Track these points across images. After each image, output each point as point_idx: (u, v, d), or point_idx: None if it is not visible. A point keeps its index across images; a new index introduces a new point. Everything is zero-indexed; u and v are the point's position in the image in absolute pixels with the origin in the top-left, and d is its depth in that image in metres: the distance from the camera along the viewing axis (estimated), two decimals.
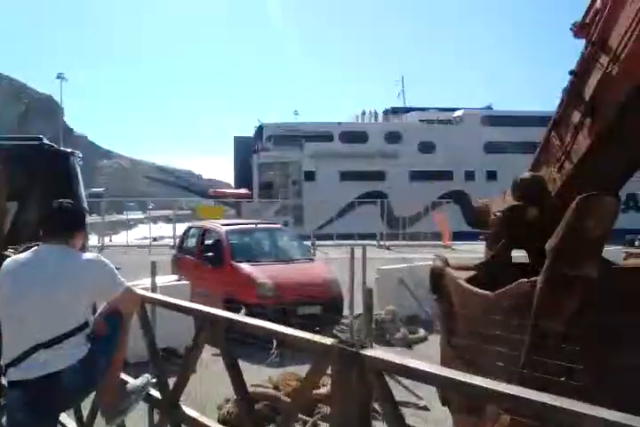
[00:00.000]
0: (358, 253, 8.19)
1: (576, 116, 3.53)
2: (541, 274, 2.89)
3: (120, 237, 28.77)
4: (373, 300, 7.76)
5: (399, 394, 5.10)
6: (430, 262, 10.80)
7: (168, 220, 35.78)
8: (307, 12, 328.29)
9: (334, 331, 8.65)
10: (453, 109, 46.69)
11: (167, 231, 29.04)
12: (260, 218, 32.32)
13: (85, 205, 9.16)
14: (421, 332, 8.49)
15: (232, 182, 51.63)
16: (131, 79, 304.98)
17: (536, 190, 3.71)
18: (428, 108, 47.54)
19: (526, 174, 3.86)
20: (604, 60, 3.25)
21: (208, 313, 3.20)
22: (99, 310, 3.10)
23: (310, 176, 40.24)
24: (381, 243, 24.53)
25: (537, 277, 2.90)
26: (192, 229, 11.42)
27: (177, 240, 11.84)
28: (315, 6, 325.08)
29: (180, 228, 32.26)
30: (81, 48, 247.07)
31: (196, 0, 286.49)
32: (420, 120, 45.35)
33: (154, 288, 6.35)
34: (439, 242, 25.08)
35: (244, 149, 44.79)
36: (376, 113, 46.78)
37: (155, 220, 30.98)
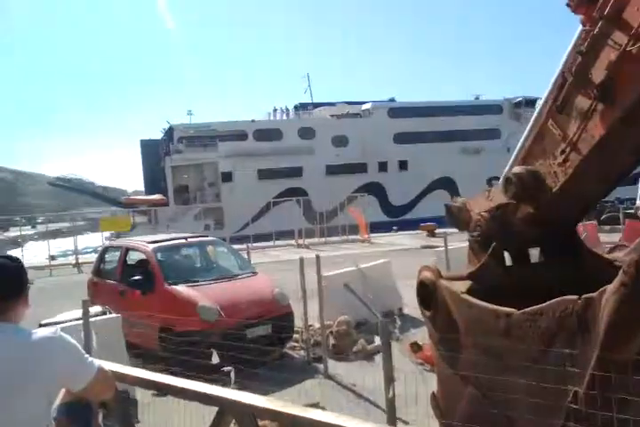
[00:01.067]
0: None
1: (583, 102, 2.93)
2: (611, 292, 2.23)
3: None
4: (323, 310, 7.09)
5: None
6: (372, 263, 10.29)
7: (60, 233, 32.64)
8: (200, 13, 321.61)
9: (286, 350, 7.75)
10: (360, 103, 46.85)
11: (65, 246, 25.89)
12: (178, 224, 31.19)
13: None
14: (377, 340, 7.74)
15: (140, 189, 48.65)
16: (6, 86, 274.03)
17: (534, 186, 3.08)
18: (335, 103, 47.48)
19: (519, 169, 3.25)
20: (619, 37, 2.61)
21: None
22: (55, 402, 2.10)
23: (227, 177, 38.85)
24: (299, 242, 23.15)
25: (590, 294, 2.32)
26: (110, 249, 9.89)
27: (95, 261, 10.06)
28: (214, 7, 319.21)
29: (83, 241, 30.58)
30: None
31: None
32: (331, 115, 45.35)
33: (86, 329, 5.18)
34: (357, 236, 24.43)
35: (152, 153, 42.76)
36: (287, 109, 45.96)
37: (48, 235, 26.18)
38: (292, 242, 23.17)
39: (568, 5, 2.95)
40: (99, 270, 9.58)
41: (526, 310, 2.62)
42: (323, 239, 24.31)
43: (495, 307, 2.80)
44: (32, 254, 24.22)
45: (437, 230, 23.94)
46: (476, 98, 49.09)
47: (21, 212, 47.70)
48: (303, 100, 49.08)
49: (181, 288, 7.53)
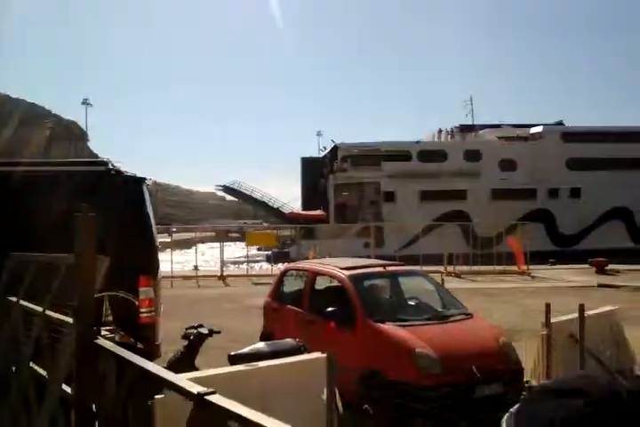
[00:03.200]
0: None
1: None
2: None
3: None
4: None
5: None
6: (597, 311, 7.65)
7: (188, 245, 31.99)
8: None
9: None
10: (526, 126, 42.94)
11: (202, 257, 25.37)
12: (339, 241, 30.35)
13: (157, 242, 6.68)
14: None
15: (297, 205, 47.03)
16: (157, 105, 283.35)
17: None
18: (500, 125, 44.08)
19: None
20: None
21: None
22: None
23: (390, 196, 37.30)
24: (449, 269, 19.94)
25: None
26: (291, 271, 8.45)
27: (273, 284, 8.64)
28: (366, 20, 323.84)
29: (232, 252, 30.59)
30: (106, 74, 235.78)
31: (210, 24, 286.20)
32: (499, 137, 42.05)
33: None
34: (514, 267, 20.84)
35: (312, 171, 42.93)
36: (453, 131, 43.43)
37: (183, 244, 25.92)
38: (441, 268, 19.74)
39: None
40: (279, 294, 8.26)
41: None
42: (476, 268, 20.78)
43: None
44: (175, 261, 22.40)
45: (609, 266, 20.32)
46: None
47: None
48: (463, 122, 46.53)
49: (391, 327, 5.76)
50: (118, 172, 6.05)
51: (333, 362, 4.01)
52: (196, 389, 1.60)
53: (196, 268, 21.25)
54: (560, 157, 39.24)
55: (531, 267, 20.92)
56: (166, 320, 6.64)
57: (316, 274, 7.32)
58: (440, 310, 6.60)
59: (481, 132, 43.31)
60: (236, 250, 33.52)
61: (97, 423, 2.51)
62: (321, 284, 7.44)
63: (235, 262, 29.81)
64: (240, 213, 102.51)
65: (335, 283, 6.85)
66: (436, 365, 5.16)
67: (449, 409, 4.81)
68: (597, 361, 5.82)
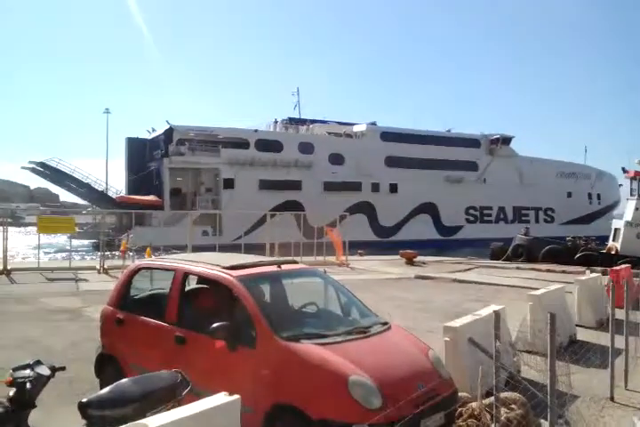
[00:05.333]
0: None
1: None
2: None
3: None
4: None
5: None
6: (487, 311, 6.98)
7: None
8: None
9: None
10: (349, 124, 44.61)
11: None
12: (175, 228, 27.38)
13: None
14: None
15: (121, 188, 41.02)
16: None
17: None
18: (327, 121, 45.06)
19: None
20: None
21: None
22: None
23: (229, 184, 35.12)
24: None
25: None
26: (144, 271, 5.92)
27: (115, 287, 6.29)
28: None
29: (18, 241, 23.57)
30: None
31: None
32: (328, 132, 42.87)
33: None
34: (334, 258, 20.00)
35: (140, 152, 38.58)
36: (295, 122, 43.07)
37: None
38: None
39: None
40: (126, 301, 5.80)
41: None
42: (298, 258, 18.28)
43: None
44: None
45: (417, 258, 20.82)
46: (448, 130, 47.72)
47: None
48: (291, 115, 46.28)
49: (309, 347, 4.08)
50: None
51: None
52: None
53: None
54: (380, 155, 41.39)
55: (348, 258, 20.46)
56: None
57: (187, 274, 5.29)
58: (354, 319, 5.06)
59: (312, 126, 43.64)
60: (25, 239, 27.49)
61: None
62: (201, 290, 5.45)
63: (55, 252, 25.14)
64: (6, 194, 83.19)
65: (226, 290, 4.78)
66: (375, 396, 3.74)
67: None
68: (483, 352, 5.10)
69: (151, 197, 33.52)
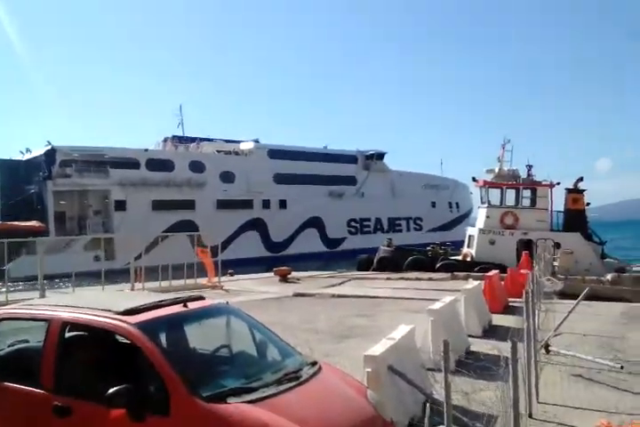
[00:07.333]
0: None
1: None
2: None
3: None
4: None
5: None
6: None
7: None
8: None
9: None
10: (234, 141, 44.54)
11: None
12: (63, 255, 25.07)
13: None
14: None
15: None
16: None
17: None
18: (214, 139, 44.52)
19: None
20: None
21: None
22: None
23: (121, 206, 33.20)
24: (139, 285, 15.06)
25: None
26: (5, 323, 4.26)
27: None
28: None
29: None
30: None
31: None
32: (217, 150, 42.40)
33: None
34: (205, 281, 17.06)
35: (14, 175, 34.41)
36: (179, 140, 41.78)
37: None
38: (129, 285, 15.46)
39: None
40: None
41: None
42: (167, 283, 15.74)
43: None
44: None
45: (290, 275, 19.38)
46: (325, 147, 49.30)
47: None
48: (175, 133, 44.45)
49: (239, 407, 3.24)
50: None
51: None
52: None
53: None
54: (268, 172, 41.82)
55: (218, 279, 17.22)
56: None
57: (66, 325, 3.90)
58: (276, 360, 4.20)
59: (201, 144, 42.89)
60: None
61: None
62: (75, 342, 3.99)
63: None
64: None
65: (110, 337, 3.89)
66: None
67: None
68: (404, 379, 5.33)
69: (33, 223, 30.24)
